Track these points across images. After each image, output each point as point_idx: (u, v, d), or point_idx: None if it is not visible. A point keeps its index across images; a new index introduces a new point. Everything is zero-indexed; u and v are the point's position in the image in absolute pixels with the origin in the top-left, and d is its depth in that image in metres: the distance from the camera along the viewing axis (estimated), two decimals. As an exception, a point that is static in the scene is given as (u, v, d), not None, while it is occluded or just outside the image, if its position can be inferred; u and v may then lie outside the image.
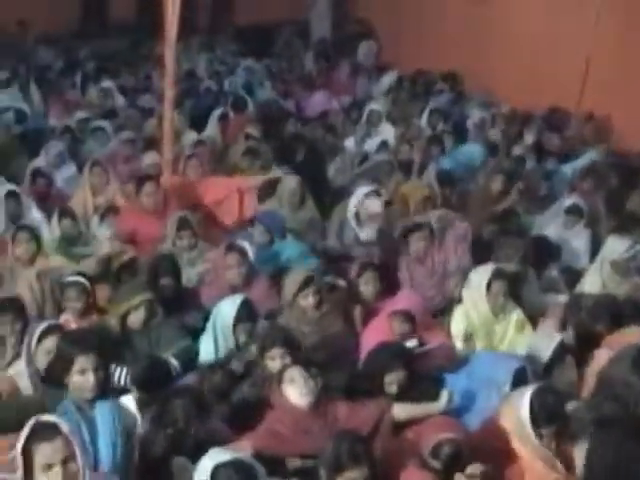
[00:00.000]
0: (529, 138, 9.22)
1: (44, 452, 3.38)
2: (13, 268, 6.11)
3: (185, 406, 4.14)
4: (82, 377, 4.15)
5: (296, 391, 4.44)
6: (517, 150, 9.16)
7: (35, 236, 6.20)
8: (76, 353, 4.18)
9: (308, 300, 5.55)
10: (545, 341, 5.18)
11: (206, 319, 5.57)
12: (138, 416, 4.12)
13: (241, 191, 7.66)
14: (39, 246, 6.19)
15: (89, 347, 4.21)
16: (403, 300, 5.71)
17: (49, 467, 3.38)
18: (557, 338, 5.15)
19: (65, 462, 3.39)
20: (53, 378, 4.33)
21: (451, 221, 6.90)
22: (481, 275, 5.82)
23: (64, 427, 3.45)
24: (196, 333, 5.51)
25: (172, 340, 5.30)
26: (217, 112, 9.82)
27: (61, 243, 6.65)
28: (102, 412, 4.03)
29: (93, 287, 5.54)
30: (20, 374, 4.90)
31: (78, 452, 3.44)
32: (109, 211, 7.18)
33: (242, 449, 4.06)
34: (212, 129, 9.65)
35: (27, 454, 3.40)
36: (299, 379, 4.46)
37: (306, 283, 5.56)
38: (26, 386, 4.81)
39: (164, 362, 4.81)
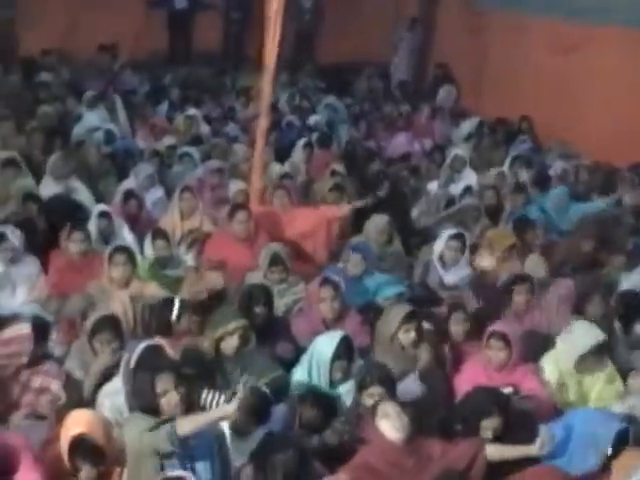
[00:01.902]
0: (628, 199, 9.06)
1: None
2: (106, 288, 6.14)
3: (286, 463, 4.16)
4: (165, 398, 4.21)
5: (390, 425, 4.47)
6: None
7: (132, 258, 6.23)
8: (153, 376, 4.24)
9: (410, 335, 5.51)
10: None
11: (297, 351, 5.59)
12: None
13: (329, 221, 7.70)
14: (134, 269, 6.23)
15: (164, 367, 4.30)
16: (501, 324, 5.69)
17: None
18: None
19: None
20: (144, 408, 4.33)
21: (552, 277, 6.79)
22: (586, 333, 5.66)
23: None
24: (286, 364, 5.52)
25: (264, 369, 5.29)
26: (302, 141, 9.90)
27: (153, 265, 6.70)
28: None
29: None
30: (115, 392, 4.92)
31: None
32: (198, 236, 7.25)
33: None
34: (297, 156, 9.73)
35: None
36: (393, 414, 4.49)
37: (409, 318, 5.53)
38: (120, 404, 4.84)
39: (265, 393, 4.79)
